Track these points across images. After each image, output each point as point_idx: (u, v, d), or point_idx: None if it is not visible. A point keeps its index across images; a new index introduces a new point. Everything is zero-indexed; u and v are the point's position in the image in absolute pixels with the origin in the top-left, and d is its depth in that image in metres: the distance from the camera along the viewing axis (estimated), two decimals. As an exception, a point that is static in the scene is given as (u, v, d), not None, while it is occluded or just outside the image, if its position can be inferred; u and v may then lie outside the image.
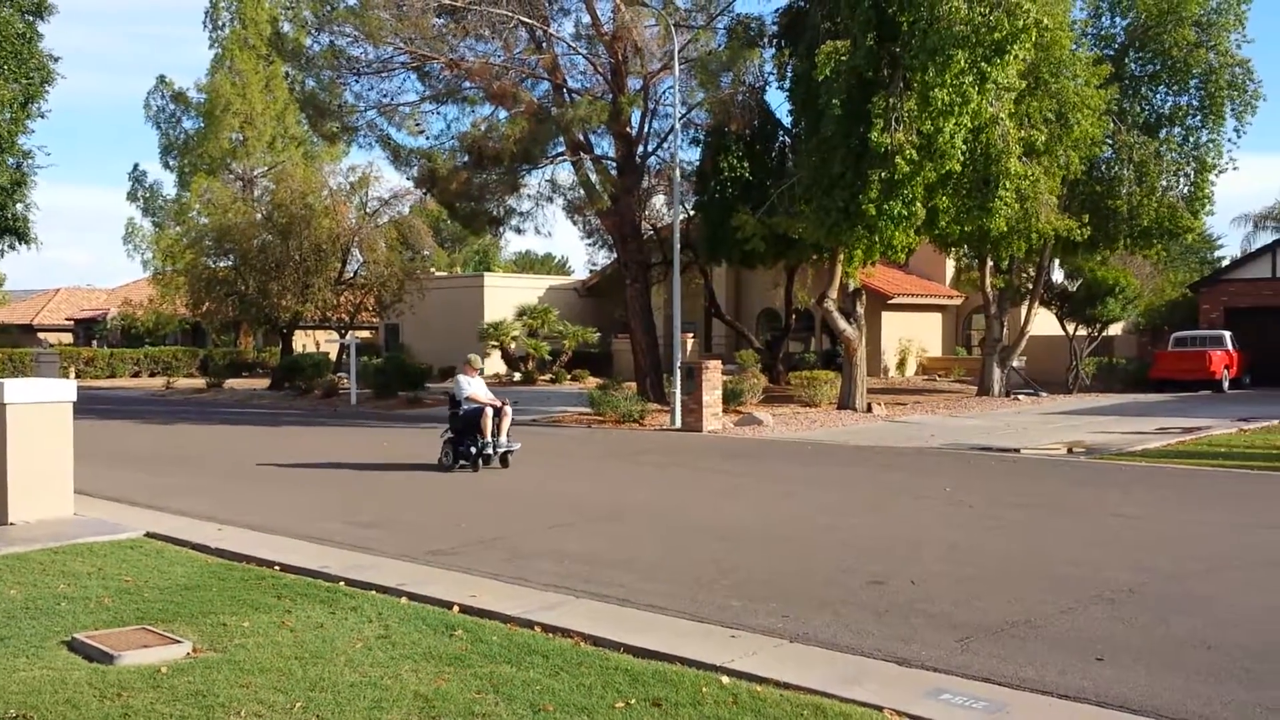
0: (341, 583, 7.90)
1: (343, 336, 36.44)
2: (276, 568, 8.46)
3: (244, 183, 46.76)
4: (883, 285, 35.87)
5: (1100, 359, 33.21)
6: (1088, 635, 6.48)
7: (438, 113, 27.13)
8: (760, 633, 6.59)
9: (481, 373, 15.72)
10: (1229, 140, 26.60)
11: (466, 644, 6.30)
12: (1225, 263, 45.19)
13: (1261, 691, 5.46)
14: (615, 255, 30.05)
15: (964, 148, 20.26)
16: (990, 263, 29.18)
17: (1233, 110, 26.35)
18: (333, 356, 38.87)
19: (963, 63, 19.38)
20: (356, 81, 26.04)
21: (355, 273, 37.21)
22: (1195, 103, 26.56)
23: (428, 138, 27.21)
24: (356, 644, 6.31)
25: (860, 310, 25.86)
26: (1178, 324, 34.25)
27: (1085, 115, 23.11)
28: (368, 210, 37.15)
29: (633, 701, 5.32)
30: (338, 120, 26.79)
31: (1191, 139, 26.81)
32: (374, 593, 7.61)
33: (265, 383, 38.86)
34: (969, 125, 20.16)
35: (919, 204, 20.52)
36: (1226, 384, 30.27)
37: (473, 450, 14.31)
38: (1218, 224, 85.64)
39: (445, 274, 52.63)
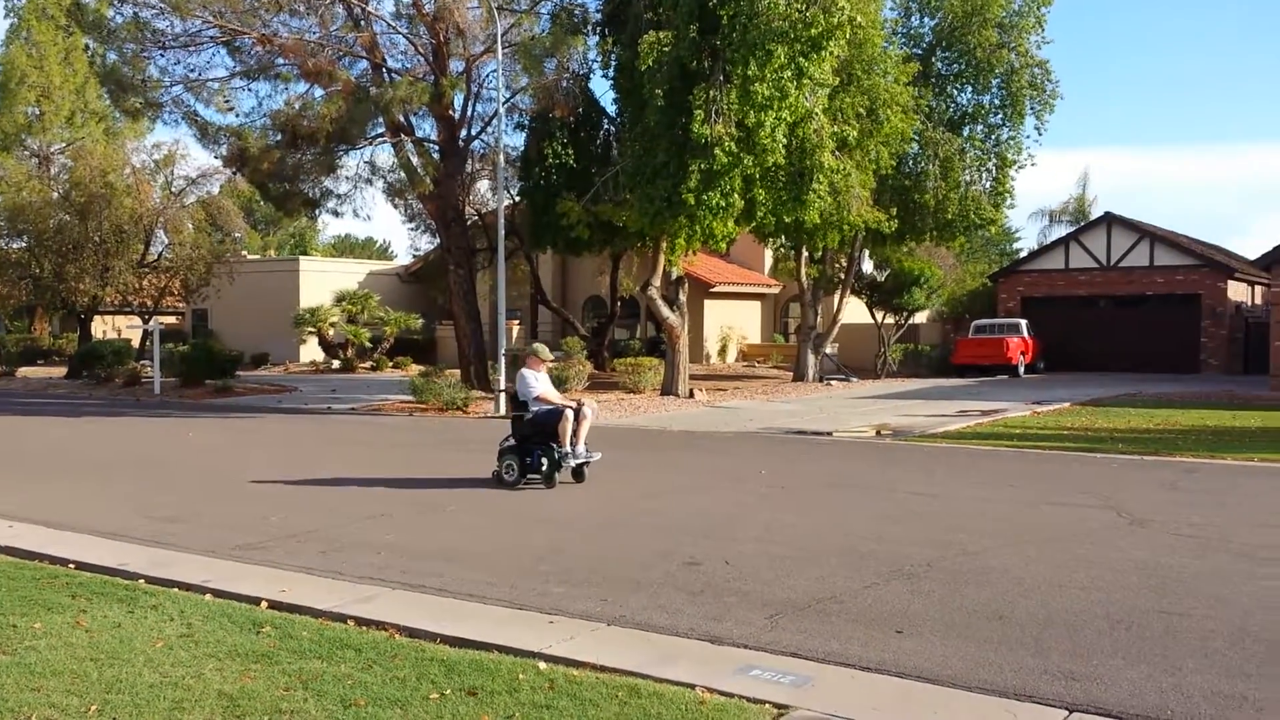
0: (141, 580, 7.56)
1: (146, 322, 34.84)
2: (71, 565, 8.04)
3: (40, 159, 44.40)
4: (705, 274, 36.60)
5: (907, 346, 34.76)
6: (889, 609, 6.78)
7: (249, 89, 26.10)
8: (578, 617, 6.63)
9: (551, 365, 13.66)
10: (1029, 138, 28.32)
11: (275, 640, 6.12)
12: (1023, 255, 47.77)
13: (1047, 658, 5.82)
14: (438, 240, 29.62)
15: (784, 141, 20.78)
16: (805, 253, 30.07)
17: (1032, 109, 27.90)
18: (135, 343, 37.07)
19: (782, 58, 19.87)
20: (162, 55, 24.90)
21: (160, 255, 35.70)
22: (997, 101, 28.00)
23: (238, 115, 26.24)
24: (157, 643, 6.05)
25: (683, 298, 26.29)
26: (978, 312, 36.06)
27: (894, 112, 24.05)
28: (173, 190, 35.74)
29: (448, 692, 5.27)
30: (141, 95, 25.53)
31: (994, 136, 28.26)
32: (176, 590, 7.32)
33: (62, 371, 37.05)
34: (788, 120, 20.68)
35: (737, 195, 20.96)
36: (1022, 369, 32.02)
37: (544, 462, 12.05)
38: (1017, 218, 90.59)
39: (258, 257, 50.92)
